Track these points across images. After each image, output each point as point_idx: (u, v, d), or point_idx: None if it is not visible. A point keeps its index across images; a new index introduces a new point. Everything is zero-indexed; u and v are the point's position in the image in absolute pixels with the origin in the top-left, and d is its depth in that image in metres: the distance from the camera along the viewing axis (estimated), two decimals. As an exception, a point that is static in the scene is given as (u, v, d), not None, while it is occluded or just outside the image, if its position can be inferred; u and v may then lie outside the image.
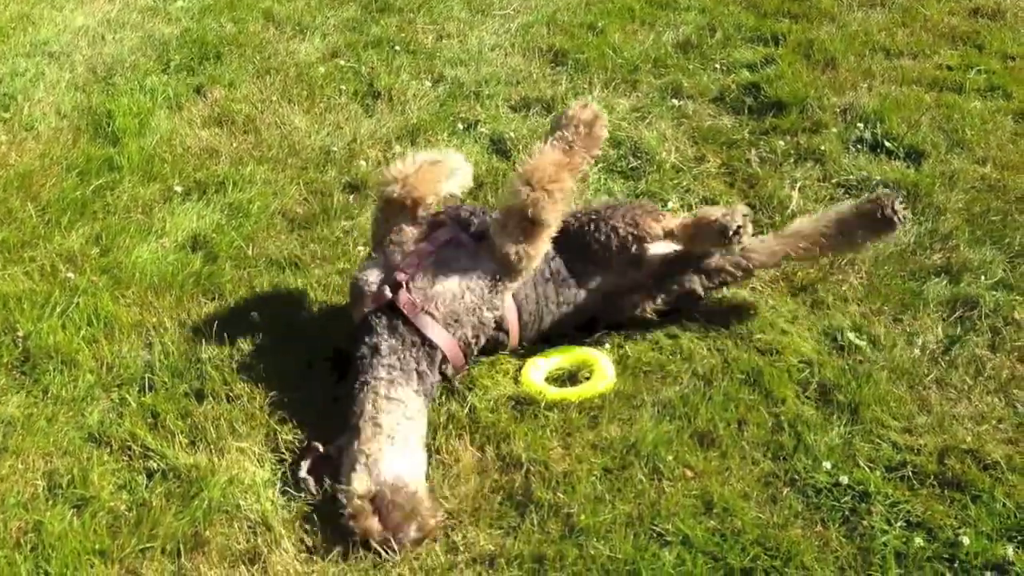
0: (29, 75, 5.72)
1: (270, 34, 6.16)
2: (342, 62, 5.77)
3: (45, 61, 5.89)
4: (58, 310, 3.87)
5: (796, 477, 3.17)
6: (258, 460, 3.31)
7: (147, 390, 3.56)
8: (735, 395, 3.46)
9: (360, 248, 4.23)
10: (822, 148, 4.71)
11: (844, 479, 3.13)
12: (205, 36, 6.05)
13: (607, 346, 3.72)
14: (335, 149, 4.97)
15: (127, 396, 3.52)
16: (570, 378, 3.64)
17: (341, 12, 6.38)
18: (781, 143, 4.78)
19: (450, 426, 3.40)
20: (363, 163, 4.84)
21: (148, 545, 2.98)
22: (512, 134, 4.98)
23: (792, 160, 4.69)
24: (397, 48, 5.89)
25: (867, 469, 3.17)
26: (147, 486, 3.20)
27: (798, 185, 4.52)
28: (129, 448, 3.33)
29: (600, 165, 4.74)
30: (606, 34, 5.86)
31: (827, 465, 3.17)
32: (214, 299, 4.02)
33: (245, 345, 3.72)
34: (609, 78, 5.43)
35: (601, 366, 3.60)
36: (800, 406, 3.42)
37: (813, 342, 3.69)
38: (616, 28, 5.91)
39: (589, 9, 6.17)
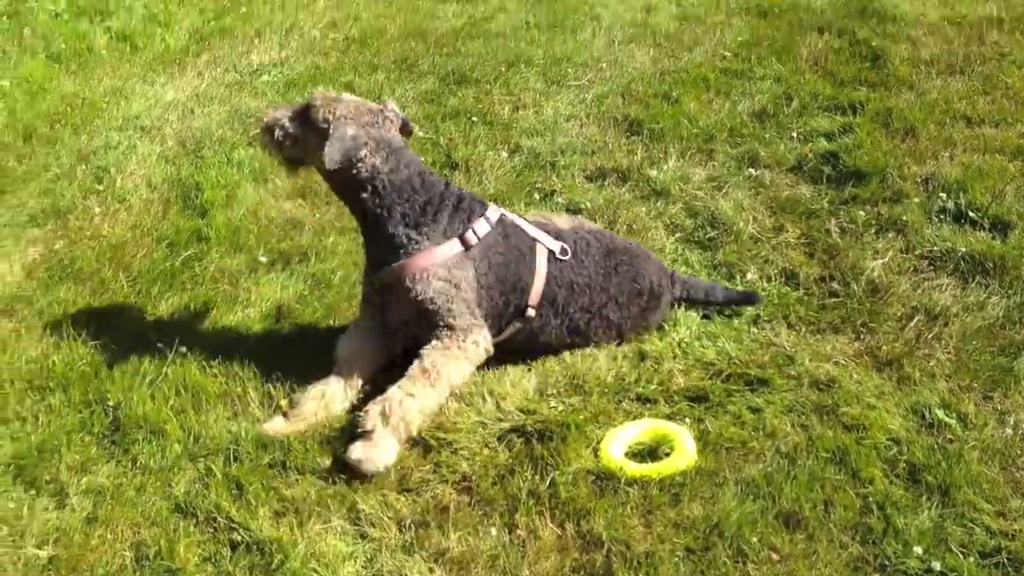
0: (122, 148, 5.94)
1: (351, 106, 6.30)
2: (420, 133, 5.89)
3: (137, 134, 6.11)
4: (147, 380, 3.97)
5: (886, 563, 3.08)
6: (339, 534, 3.33)
7: (232, 461, 3.61)
8: (821, 474, 3.39)
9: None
10: (904, 218, 4.66)
11: (936, 565, 3.03)
12: (289, 109, 6.21)
13: (687, 420, 3.69)
14: (414, 220, 5.04)
15: (213, 467, 3.58)
16: (650, 453, 3.61)
17: (420, 85, 6.52)
18: (861, 213, 4.73)
19: (530, 501, 3.39)
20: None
21: (232, 619, 3.01)
22: (588, 203, 5.02)
23: (873, 230, 4.64)
24: (474, 119, 6.00)
25: (960, 555, 3.08)
26: (231, 559, 3.24)
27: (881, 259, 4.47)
28: (214, 520, 3.38)
29: (677, 235, 4.75)
30: (681, 103, 5.89)
31: (918, 550, 3.08)
32: (298, 370, 4.08)
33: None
34: (684, 147, 5.45)
35: (682, 442, 3.56)
36: (889, 486, 3.34)
37: (901, 419, 3.61)
38: (691, 97, 5.95)
39: (663, 79, 6.21)
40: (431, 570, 3.17)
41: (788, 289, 4.36)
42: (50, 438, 3.73)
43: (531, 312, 3.94)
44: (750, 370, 3.88)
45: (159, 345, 4.19)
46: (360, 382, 3.91)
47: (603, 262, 4.05)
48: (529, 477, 3.49)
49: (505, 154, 5.63)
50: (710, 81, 6.11)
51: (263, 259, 4.79)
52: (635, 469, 3.48)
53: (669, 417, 3.72)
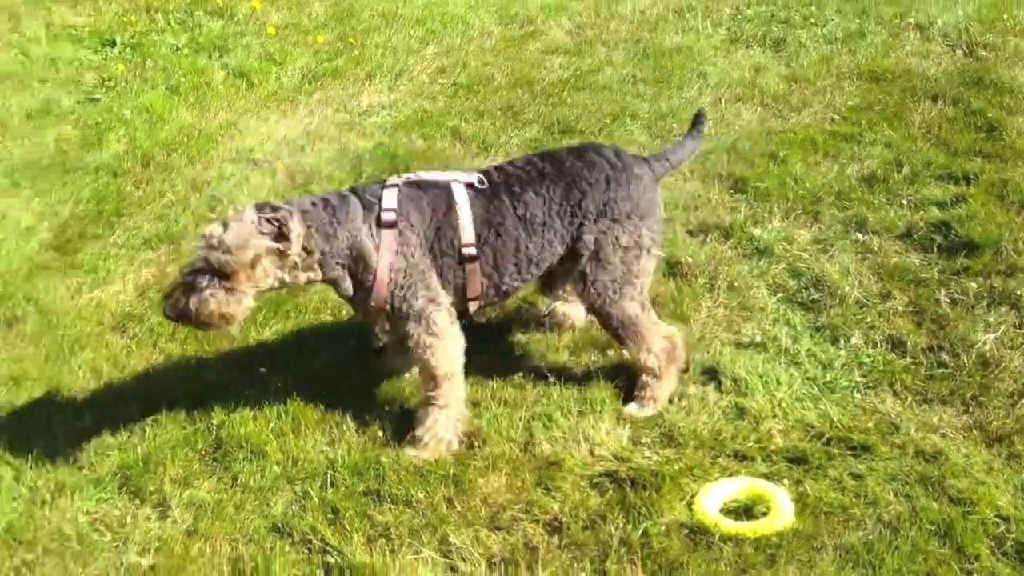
0: (234, 180, 6.12)
1: (456, 150, 6.42)
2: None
3: (249, 167, 6.29)
4: (251, 402, 4.05)
5: (991, 640, 2.98)
6: (430, 565, 3.34)
7: (329, 486, 3.67)
8: (924, 546, 3.30)
9: (537, 362, 4.30)
10: (1018, 293, 4.54)
11: (1045, 647, 2.93)
12: (396, 150, 6.35)
13: (785, 481, 3.63)
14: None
15: (310, 490, 3.64)
16: (746, 511, 3.56)
17: (524, 132, 6.60)
18: (973, 285, 4.63)
19: (621, 549, 3.37)
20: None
21: (323, 642, 3.03)
22: (689, 259, 5.00)
23: (985, 303, 4.53)
24: (578, 169, 6.03)
25: (1070, 639, 2.97)
26: (324, 582, 3.28)
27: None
28: (310, 541, 3.43)
29: (779, 295, 4.70)
30: (787, 164, 5.86)
31: (1026, 630, 2.98)
32: (396, 403, 4.14)
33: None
34: (790, 208, 5.41)
35: (779, 502, 3.51)
36: (995, 564, 3.23)
37: (1010, 496, 3.50)
38: (798, 158, 5.91)
39: (770, 139, 6.19)
40: (520, 610, 3.16)
41: (894, 356, 4.27)
42: (156, 451, 3.84)
43: (471, 251, 3.85)
44: (853, 435, 3.81)
45: (262, 370, 4.28)
46: None
47: (528, 169, 3.95)
48: (621, 525, 3.47)
49: (607, 205, 5.65)
50: (818, 143, 6.06)
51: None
52: (730, 526, 3.44)
53: (767, 476, 3.67)
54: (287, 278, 3.68)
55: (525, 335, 4.54)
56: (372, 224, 3.74)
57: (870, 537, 3.35)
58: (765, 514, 3.50)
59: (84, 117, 7.06)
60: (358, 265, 3.74)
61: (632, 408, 4.05)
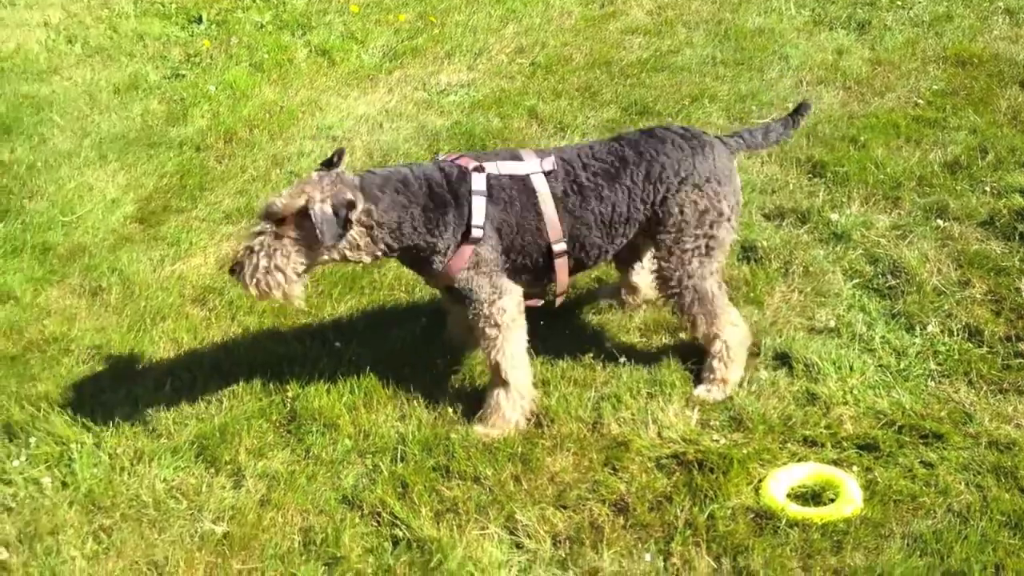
0: (313, 155, 6.22)
1: (533, 130, 6.44)
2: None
3: (328, 144, 6.39)
4: (324, 376, 4.14)
5: (1061, 635, 2.94)
6: (496, 541, 3.39)
7: (399, 460, 3.74)
8: (993, 537, 3.25)
9: (607, 343, 4.32)
10: (1102, 283, 4.42)
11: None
12: (473, 129, 6.39)
13: (854, 468, 3.60)
14: (587, 244, 5.10)
15: (380, 464, 3.72)
16: (813, 497, 3.54)
17: (601, 113, 6.59)
18: (1056, 274, 4.52)
19: (686, 531, 3.38)
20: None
21: (390, 611, 3.11)
22: (765, 243, 4.95)
23: (1068, 293, 4.42)
24: (654, 150, 6.00)
25: None
26: (392, 553, 3.35)
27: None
28: (378, 514, 3.51)
29: (855, 281, 4.64)
30: (868, 148, 5.75)
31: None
32: (465, 381, 4.19)
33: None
34: (869, 193, 5.32)
35: (848, 489, 3.48)
36: (1068, 558, 3.18)
37: (1086, 490, 3.43)
38: (879, 143, 5.80)
39: (852, 123, 6.08)
40: (584, 587, 3.19)
41: (971, 346, 4.19)
42: (232, 422, 3.95)
43: (561, 247, 3.89)
44: (925, 423, 3.76)
45: (336, 344, 4.37)
46: None
47: (606, 157, 3.96)
48: (687, 507, 3.48)
49: (682, 187, 5.61)
50: (900, 128, 5.94)
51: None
52: (797, 511, 3.42)
53: (835, 463, 3.65)
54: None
55: (596, 316, 4.55)
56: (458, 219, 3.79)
57: (939, 526, 3.31)
58: (833, 500, 3.48)
59: (170, 92, 7.24)
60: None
61: (701, 391, 4.04)
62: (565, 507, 3.54)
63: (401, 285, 4.84)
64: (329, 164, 3.77)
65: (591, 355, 4.24)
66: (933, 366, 4.10)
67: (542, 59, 7.48)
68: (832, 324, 4.38)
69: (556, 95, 6.85)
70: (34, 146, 6.51)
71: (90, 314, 4.82)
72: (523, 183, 3.84)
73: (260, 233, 3.63)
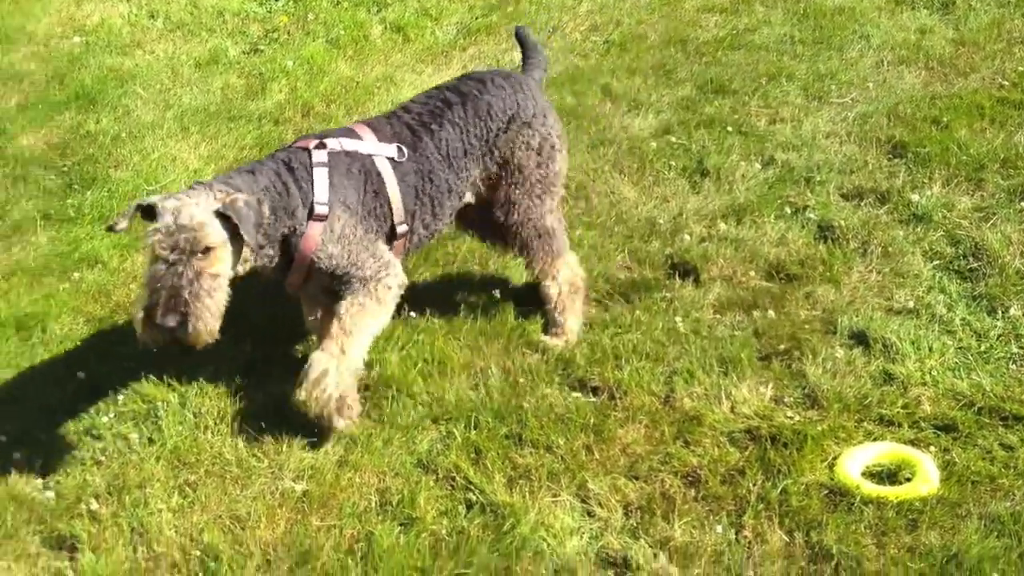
0: (389, 130, 6.28)
1: (606, 108, 6.42)
2: (673, 139, 5.92)
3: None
4: (400, 344, 4.20)
5: None
6: (568, 509, 3.43)
7: (472, 427, 3.79)
8: (1076, 521, 3.21)
9: (679, 319, 4.32)
10: None
11: None
12: (547, 106, 6.39)
13: (932, 449, 3.56)
14: (660, 221, 5.09)
15: (454, 431, 3.78)
16: (889, 476, 3.51)
17: (676, 91, 6.55)
18: None
19: (759, 505, 3.38)
20: (687, 237, 4.93)
21: (464, 572, 3.17)
22: (842, 222, 4.90)
23: None
24: (729, 129, 5.97)
25: None
26: (466, 516, 3.41)
27: None
28: (452, 479, 3.57)
29: (936, 262, 4.57)
30: (951, 129, 5.64)
31: None
32: (535, 351, 4.23)
33: (562, 398, 3.88)
34: (951, 174, 5.22)
35: (924, 468, 3.45)
36: None
37: None
38: (962, 124, 5.69)
39: (934, 103, 5.97)
40: (655, 556, 3.21)
41: (1055, 329, 4.12)
42: (312, 384, 4.01)
43: (403, 228, 3.94)
44: (1006, 405, 3.71)
45: (412, 314, 4.43)
46: None
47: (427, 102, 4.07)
48: (759, 481, 3.48)
49: (758, 166, 5.58)
50: (985, 109, 5.81)
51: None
52: (872, 489, 3.40)
53: (912, 443, 3.62)
54: None
55: (669, 292, 4.55)
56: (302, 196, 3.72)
57: (1018, 508, 3.27)
58: (909, 479, 3.45)
59: (248, 67, 7.36)
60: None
61: (547, 339, 4.25)
62: (637, 478, 3.56)
63: (475, 258, 4.88)
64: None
65: (661, 330, 4.25)
66: (1015, 349, 4.03)
67: (616, 37, 7.45)
68: (911, 305, 4.32)
69: (630, 73, 6.82)
70: (118, 117, 6.67)
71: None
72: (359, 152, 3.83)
73: (174, 267, 3.29)
